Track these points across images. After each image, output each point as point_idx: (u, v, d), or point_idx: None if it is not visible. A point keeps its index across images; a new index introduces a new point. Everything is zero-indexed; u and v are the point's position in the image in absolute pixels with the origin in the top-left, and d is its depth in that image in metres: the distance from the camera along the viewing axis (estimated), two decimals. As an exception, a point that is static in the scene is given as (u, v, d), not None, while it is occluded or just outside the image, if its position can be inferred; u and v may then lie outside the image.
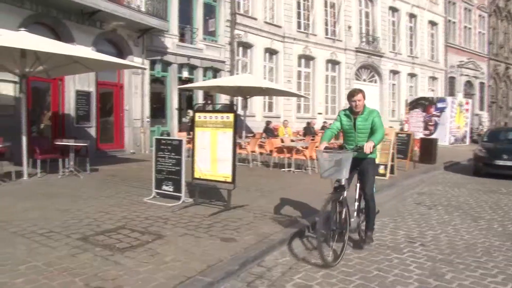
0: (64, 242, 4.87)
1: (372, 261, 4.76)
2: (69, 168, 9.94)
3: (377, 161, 10.61)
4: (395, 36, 29.53)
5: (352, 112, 5.16)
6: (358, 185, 5.28)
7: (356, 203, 5.27)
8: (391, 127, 19.49)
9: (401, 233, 6.01)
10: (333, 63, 25.52)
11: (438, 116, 25.00)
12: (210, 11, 18.94)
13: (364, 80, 27.74)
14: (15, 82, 11.18)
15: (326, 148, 4.95)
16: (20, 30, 9.32)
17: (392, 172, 11.08)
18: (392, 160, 11.07)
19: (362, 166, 5.14)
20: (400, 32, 29.60)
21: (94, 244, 4.80)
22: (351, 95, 5.08)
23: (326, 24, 24.96)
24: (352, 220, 5.04)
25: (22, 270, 4.00)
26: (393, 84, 29.83)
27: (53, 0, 12.26)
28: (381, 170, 10.77)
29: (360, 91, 5.10)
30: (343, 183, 4.82)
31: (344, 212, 4.80)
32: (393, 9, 29.22)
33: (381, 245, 5.39)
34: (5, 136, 9.82)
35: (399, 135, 12.99)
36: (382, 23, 28.11)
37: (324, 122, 21.71)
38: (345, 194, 4.84)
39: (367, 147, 4.78)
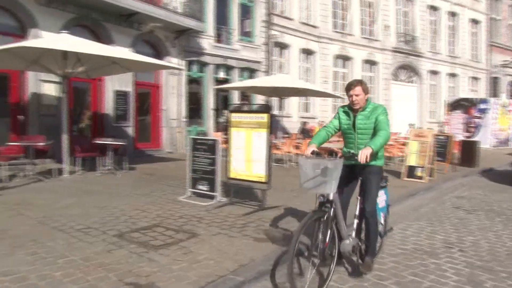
0: (101, 238, 5.00)
1: (407, 266, 4.63)
2: (107, 167, 10.22)
3: (414, 163, 10.61)
4: (435, 36, 28.80)
5: (351, 108, 4.28)
6: (359, 198, 4.34)
7: (356, 221, 4.34)
8: (429, 128, 19.00)
9: (439, 237, 5.82)
10: (370, 63, 25.15)
11: (480, 118, 24.17)
12: (246, 12, 19.06)
13: (402, 81, 27.20)
14: (57, 83, 11.59)
15: (314, 152, 4.04)
16: (62, 32, 9.65)
17: (430, 175, 10.82)
18: (431, 163, 10.79)
19: (363, 175, 4.22)
20: (440, 31, 28.83)
21: (129, 241, 4.91)
22: (348, 88, 4.17)
23: (363, 24, 24.64)
24: (347, 242, 4.11)
25: (60, 264, 4.14)
26: (433, 85, 29.08)
27: (93, 3, 12.66)
28: (418, 173, 10.58)
29: (359, 82, 4.17)
30: (331, 198, 3.87)
31: (329, 234, 3.85)
32: (433, 8, 28.49)
33: (417, 249, 5.24)
34: (48, 135, 10.21)
35: (438, 137, 12.66)
36: (421, 22, 27.48)
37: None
38: (332, 212, 3.86)
39: (363, 155, 3.75)
